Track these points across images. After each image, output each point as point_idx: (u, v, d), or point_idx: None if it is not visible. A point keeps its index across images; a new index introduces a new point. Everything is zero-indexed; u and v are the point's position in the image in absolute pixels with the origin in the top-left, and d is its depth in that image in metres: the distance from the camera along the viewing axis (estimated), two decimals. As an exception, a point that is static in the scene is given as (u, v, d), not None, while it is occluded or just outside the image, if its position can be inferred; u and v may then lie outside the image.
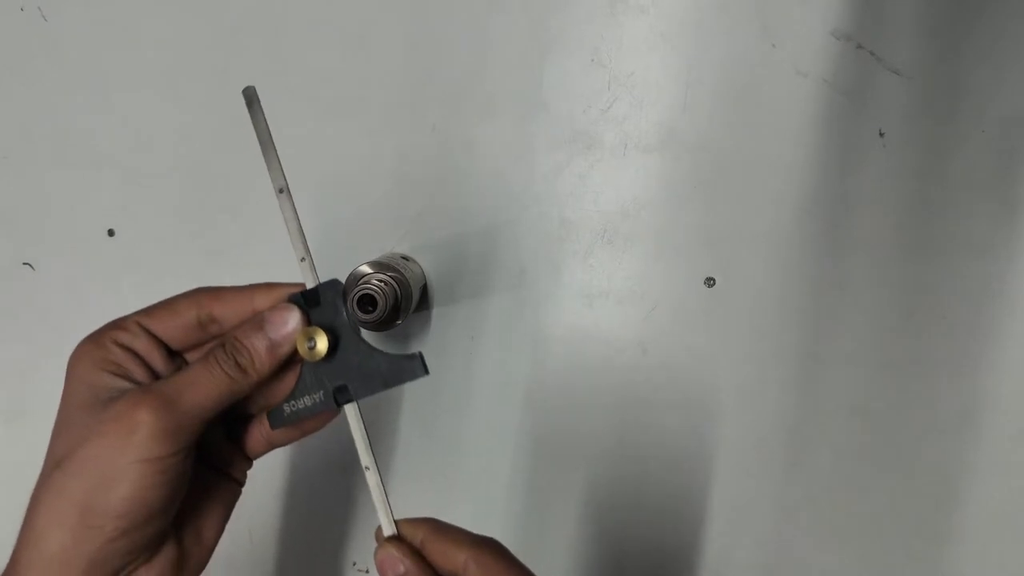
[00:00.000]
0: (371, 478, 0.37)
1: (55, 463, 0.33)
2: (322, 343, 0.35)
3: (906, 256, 0.54)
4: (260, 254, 0.60)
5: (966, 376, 0.54)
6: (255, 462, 0.40)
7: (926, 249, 0.53)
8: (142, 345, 0.36)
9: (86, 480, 0.32)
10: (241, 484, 0.40)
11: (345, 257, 0.57)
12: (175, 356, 0.37)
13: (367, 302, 0.50)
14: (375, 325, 0.51)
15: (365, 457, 0.36)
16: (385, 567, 0.36)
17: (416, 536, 0.36)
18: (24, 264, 0.63)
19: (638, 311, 0.57)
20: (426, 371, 0.35)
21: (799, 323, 0.55)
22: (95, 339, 0.35)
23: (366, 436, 0.36)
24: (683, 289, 0.56)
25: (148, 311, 0.37)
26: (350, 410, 0.36)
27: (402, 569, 0.36)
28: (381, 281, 0.52)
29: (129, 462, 0.32)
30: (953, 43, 0.52)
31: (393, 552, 0.36)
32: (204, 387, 0.34)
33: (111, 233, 0.62)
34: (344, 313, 0.36)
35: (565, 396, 0.58)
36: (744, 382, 0.56)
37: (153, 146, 0.61)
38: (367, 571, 0.62)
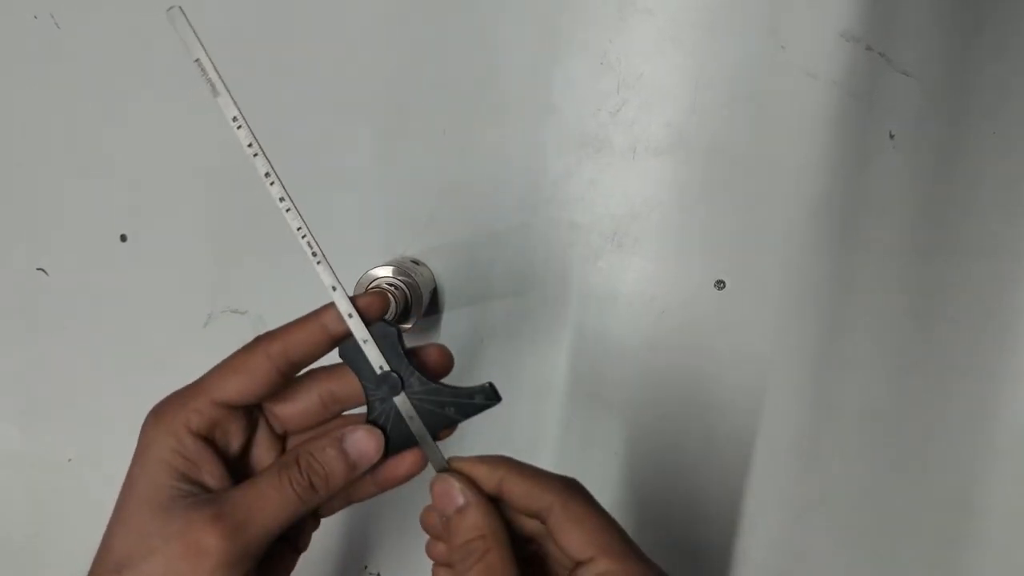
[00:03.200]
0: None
1: (115, 566, 0.32)
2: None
3: (917, 258, 0.53)
4: (274, 259, 0.60)
5: (979, 378, 0.53)
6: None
7: (937, 250, 0.53)
8: (219, 428, 0.34)
9: None
10: (302, 551, 0.39)
11: (355, 261, 0.57)
12: (251, 410, 0.36)
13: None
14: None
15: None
16: (443, 499, 0.34)
17: (494, 476, 0.34)
18: (38, 270, 0.63)
19: (648, 314, 0.56)
20: (498, 398, 0.35)
21: (810, 325, 0.55)
22: (166, 422, 0.34)
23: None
24: (693, 292, 0.56)
25: (214, 381, 0.34)
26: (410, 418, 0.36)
27: (462, 501, 0.34)
28: (391, 285, 0.52)
29: None
30: (963, 44, 0.51)
31: (453, 482, 0.34)
32: (274, 508, 0.33)
33: (123, 238, 0.62)
34: (404, 356, 0.35)
35: (575, 400, 0.58)
36: (755, 385, 0.56)
37: (165, 152, 0.61)
38: (378, 574, 0.62)
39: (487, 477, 0.34)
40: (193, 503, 0.32)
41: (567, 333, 0.57)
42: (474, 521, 0.33)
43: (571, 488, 0.34)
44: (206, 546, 0.31)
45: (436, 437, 0.36)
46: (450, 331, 0.59)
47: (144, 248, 0.62)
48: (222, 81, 0.33)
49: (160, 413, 0.34)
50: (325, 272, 0.34)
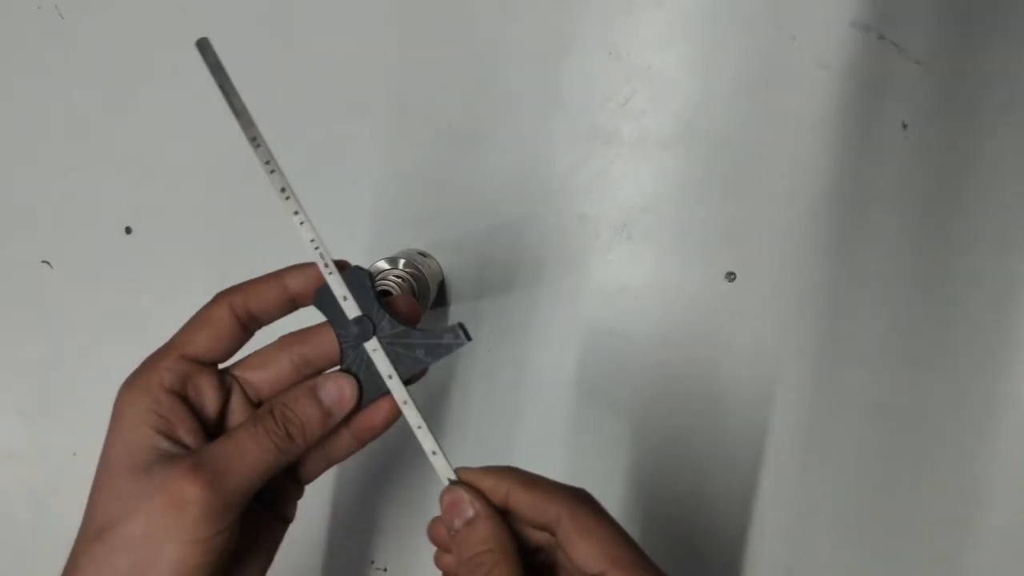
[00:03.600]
0: (423, 436, 0.36)
1: (96, 532, 0.32)
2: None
3: (929, 251, 0.53)
4: (278, 250, 0.58)
5: (989, 374, 0.53)
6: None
7: (949, 244, 0.52)
8: (191, 384, 0.35)
9: (129, 558, 0.31)
10: (289, 521, 0.38)
11: (362, 253, 0.57)
12: (223, 375, 0.36)
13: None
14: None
15: (415, 418, 0.36)
16: (452, 511, 0.34)
17: (500, 487, 0.34)
18: (43, 262, 0.63)
19: (658, 307, 0.56)
20: (468, 338, 0.35)
21: (821, 319, 0.54)
22: (139, 384, 0.34)
23: (418, 412, 0.36)
24: (703, 284, 0.55)
25: (181, 338, 0.35)
26: (395, 386, 0.36)
27: (471, 513, 0.33)
28: (398, 277, 0.51)
29: (175, 543, 0.31)
30: (977, 32, 0.51)
31: (463, 494, 0.34)
32: (253, 459, 0.33)
33: (128, 231, 0.62)
34: (374, 297, 0.35)
35: (584, 393, 0.57)
36: (766, 379, 0.55)
37: (170, 143, 0.60)
38: (385, 569, 0.62)
39: (494, 488, 0.34)
40: (172, 458, 0.32)
41: (576, 327, 0.57)
42: (483, 534, 0.33)
43: (579, 499, 0.33)
44: (187, 497, 0.31)
45: (408, 381, 0.36)
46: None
47: (149, 241, 0.62)
48: (243, 103, 0.35)
49: (131, 379, 0.34)
50: (305, 229, 0.35)
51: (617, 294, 0.56)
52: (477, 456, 0.36)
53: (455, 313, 0.59)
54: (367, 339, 0.36)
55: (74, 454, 0.65)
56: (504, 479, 0.34)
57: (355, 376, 0.36)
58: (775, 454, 0.56)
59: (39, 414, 0.65)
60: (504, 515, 0.34)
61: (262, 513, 0.37)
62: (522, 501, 0.33)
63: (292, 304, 0.36)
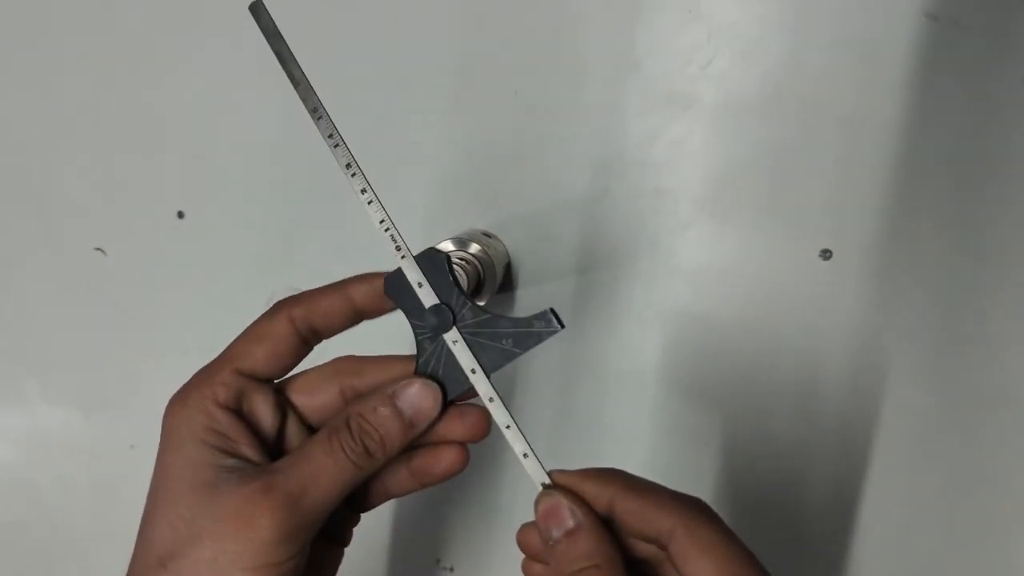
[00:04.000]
0: (512, 436, 0.33)
1: (159, 559, 0.30)
2: None
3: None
4: (332, 234, 0.58)
5: None
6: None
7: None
8: (247, 400, 0.33)
9: None
10: (346, 545, 0.37)
11: (422, 234, 0.55)
12: (279, 392, 0.34)
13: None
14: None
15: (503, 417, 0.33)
16: (550, 519, 0.31)
17: (604, 494, 0.31)
18: (96, 249, 0.62)
19: (745, 289, 0.52)
20: (561, 325, 0.32)
21: (932, 299, 0.50)
22: (193, 401, 0.32)
23: (506, 410, 0.33)
24: (795, 262, 0.51)
25: (237, 350, 0.33)
26: (479, 381, 0.33)
27: (572, 524, 0.30)
28: (462, 259, 0.49)
29: (245, 571, 0.29)
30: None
31: (563, 501, 0.31)
32: (329, 479, 0.31)
33: (181, 215, 0.60)
34: (453, 283, 0.33)
35: (663, 382, 0.54)
36: (870, 368, 0.51)
37: (221, 123, 0.59)
38: (452, 569, 0.59)
39: (597, 495, 0.31)
40: (240, 477, 0.30)
41: (654, 312, 0.54)
42: (586, 548, 0.30)
43: (696, 510, 0.30)
44: (259, 521, 0.29)
45: (488, 373, 0.33)
46: (525, 310, 0.56)
47: (202, 225, 0.61)
48: (302, 71, 0.32)
49: (183, 395, 0.32)
50: (374, 209, 0.33)
51: (698, 275, 0.53)
52: (552, 453, 0.33)
53: (522, 298, 0.56)
54: (447, 329, 0.33)
55: (132, 447, 0.64)
56: (608, 484, 0.31)
57: (434, 377, 0.33)
58: (883, 451, 0.52)
59: (96, 407, 0.65)
60: (607, 524, 0.31)
61: (321, 545, 0.35)
62: (630, 510, 0.30)
63: (357, 317, 0.34)
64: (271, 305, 0.34)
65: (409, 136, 0.56)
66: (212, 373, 0.32)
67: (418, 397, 0.32)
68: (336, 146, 0.32)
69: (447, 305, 0.33)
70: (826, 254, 0.51)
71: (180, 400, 0.32)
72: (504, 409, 0.33)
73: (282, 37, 0.32)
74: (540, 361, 0.56)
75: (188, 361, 0.60)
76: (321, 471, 0.30)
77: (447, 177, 0.56)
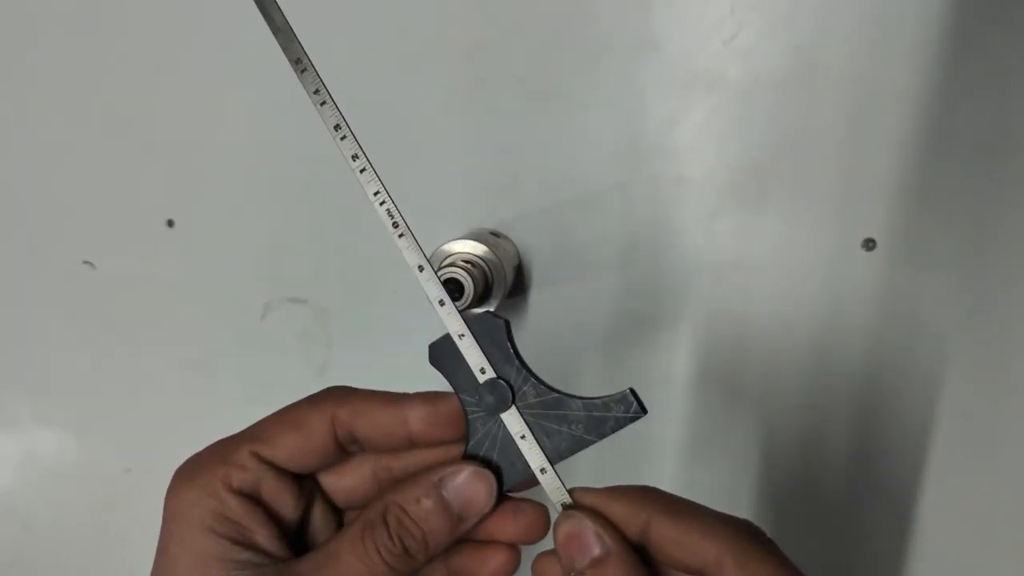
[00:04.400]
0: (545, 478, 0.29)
1: None
2: None
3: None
4: (331, 241, 0.55)
5: None
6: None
7: None
8: (266, 487, 0.28)
9: None
10: None
11: (426, 235, 0.51)
12: (301, 479, 0.30)
13: (452, 287, 0.44)
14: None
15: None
16: (572, 546, 0.27)
17: (638, 516, 0.27)
18: (84, 263, 0.60)
19: (780, 285, 0.50)
20: (643, 410, 0.28)
21: (987, 292, 0.47)
22: (203, 482, 0.28)
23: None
24: (835, 254, 0.49)
25: (264, 432, 0.29)
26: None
27: (598, 552, 0.26)
28: (468, 262, 0.47)
29: None
30: None
31: (588, 524, 0.27)
32: None
33: (170, 224, 0.58)
34: (515, 357, 0.29)
35: (692, 387, 0.52)
36: (922, 367, 0.49)
37: (211, 127, 0.57)
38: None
39: (628, 518, 0.27)
40: (254, 574, 0.26)
41: (681, 312, 0.51)
42: None
43: (747, 536, 0.26)
44: None
45: (555, 463, 0.29)
46: (538, 315, 0.53)
47: (193, 234, 0.58)
48: (283, 16, 0.28)
49: (192, 471, 0.28)
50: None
51: (728, 271, 0.50)
52: (572, 469, 0.29)
53: (535, 301, 0.53)
54: (505, 409, 0.29)
55: (128, 470, 0.62)
56: (641, 505, 0.27)
57: (488, 461, 0.29)
58: (939, 457, 0.49)
59: (88, 429, 0.63)
60: (640, 553, 0.27)
61: None
62: (667, 536, 0.26)
63: (408, 443, 0.29)
64: (316, 392, 0.30)
65: (407, 128, 0.53)
66: (229, 451, 0.28)
67: (469, 487, 0.28)
68: (343, 138, 0.28)
69: (505, 380, 0.29)
70: (869, 244, 0.48)
71: (188, 478, 0.28)
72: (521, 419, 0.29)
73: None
74: (556, 371, 0.53)
75: (182, 379, 0.57)
76: (348, 573, 0.27)
77: (452, 174, 0.53)
